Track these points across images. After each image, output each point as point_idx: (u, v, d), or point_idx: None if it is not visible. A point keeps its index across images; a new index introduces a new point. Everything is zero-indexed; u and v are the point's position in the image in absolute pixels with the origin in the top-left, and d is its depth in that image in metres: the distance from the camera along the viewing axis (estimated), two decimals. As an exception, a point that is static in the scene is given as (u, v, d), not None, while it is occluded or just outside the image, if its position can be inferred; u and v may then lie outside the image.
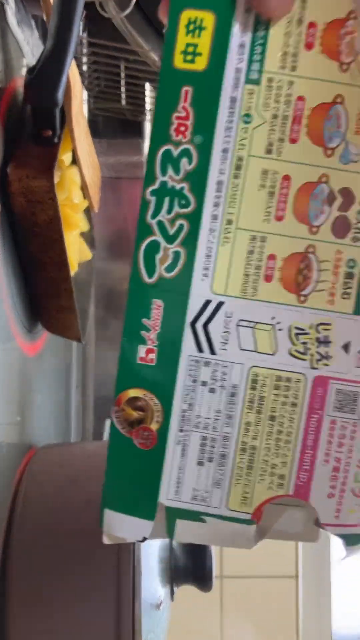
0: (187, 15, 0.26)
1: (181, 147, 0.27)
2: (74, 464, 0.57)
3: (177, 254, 0.28)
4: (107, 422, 0.71)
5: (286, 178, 0.28)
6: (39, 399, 0.63)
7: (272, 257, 0.29)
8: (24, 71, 0.58)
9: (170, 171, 0.28)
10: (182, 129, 0.27)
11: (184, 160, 0.27)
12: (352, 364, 0.30)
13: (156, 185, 0.28)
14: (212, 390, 0.30)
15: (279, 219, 0.29)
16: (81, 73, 0.79)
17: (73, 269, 0.60)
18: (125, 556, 0.48)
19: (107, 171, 0.97)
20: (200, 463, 0.31)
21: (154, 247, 0.28)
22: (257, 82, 0.27)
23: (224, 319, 0.29)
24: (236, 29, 0.27)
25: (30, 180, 0.51)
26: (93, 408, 0.94)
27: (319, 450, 0.31)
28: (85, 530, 0.51)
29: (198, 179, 0.28)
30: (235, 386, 0.30)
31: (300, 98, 0.28)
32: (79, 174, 0.62)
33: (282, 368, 0.30)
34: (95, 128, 0.93)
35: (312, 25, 0.27)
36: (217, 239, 0.28)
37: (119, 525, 0.31)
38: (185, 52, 0.27)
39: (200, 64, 0.27)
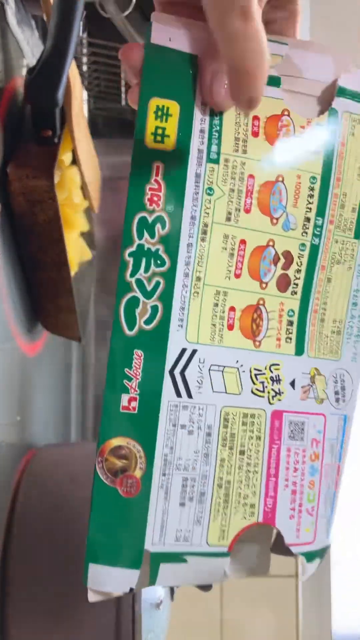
0: (154, 102, 0.30)
1: (155, 215, 0.31)
2: (74, 464, 0.57)
3: (155, 308, 0.31)
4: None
5: (243, 242, 0.33)
6: (39, 399, 0.63)
7: (232, 308, 0.33)
8: (24, 71, 0.58)
9: (146, 235, 0.31)
10: (155, 198, 0.31)
11: (158, 226, 0.31)
12: (297, 397, 0.35)
13: (134, 248, 0.31)
14: (190, 432, 0.32)
15: (237, 276, 0.33)
16: (81, 73, 0.79)
17: (73, 269, 0.60)
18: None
19: (107, 171, 0.97)
20: (182, 504, 0.32)
21: (133, 303, 0.31)
22: (216, 161, 0.32)
23: (198, 364, 0.32)
24: (196, 117, 0.31)
25: (31, 180, 0.51)
26: (93, 408, 0.94)
27: (280, 477, 0.34)
28: (85, 529, 0.51)
29: (171, 242, 0.31)
30: (210, 426, 0.33)
31: (251, 176, 0.33)
32: (79, 174, 0.62)
33: (247, 405, 0.34)
34: (95, 128, 0.93)
35: (255, 118, 0.33)
36: (189, 293, 0.32)
37: (105, 579, 0.31)
38: (155, 134, 0.31)
39: (169, 144, 0.31)
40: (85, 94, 0.86)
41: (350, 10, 1.13)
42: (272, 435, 0.34)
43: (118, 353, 0.31)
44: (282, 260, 0.34)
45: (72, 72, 0.56)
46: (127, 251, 0.31)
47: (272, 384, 0.34)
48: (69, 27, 0.50)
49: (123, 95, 0.86)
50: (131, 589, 0.31)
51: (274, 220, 0.34)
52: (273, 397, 0.34)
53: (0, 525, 0.50)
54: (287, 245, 0.34)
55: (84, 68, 0.81)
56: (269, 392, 0.34)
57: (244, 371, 0.34)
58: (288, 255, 0.34)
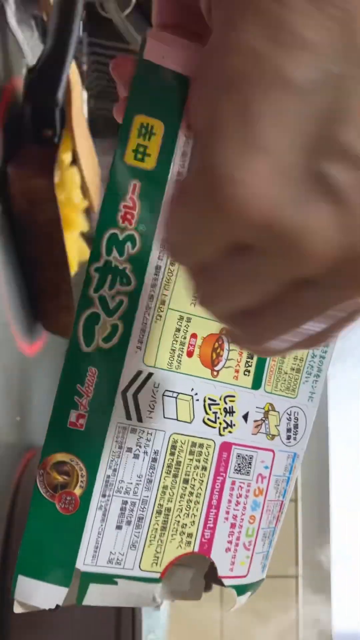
0: (139, 120, 0.30)
1: (126, 233, 0.30)
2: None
3: (115, 327, 0.31)
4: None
5: None
6: (39, 399, 0.63)
7: (194, 335, 0.32)
8: (24, 71, 0.58)
9: (114, 252, 0.30)
10: (129, 217, 0.30)
11: (128, 244, 0.30)
12: (249, 431, 0.34)
13: (100, 264, 0.30)
14: (136, 456, 0.32)
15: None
16: (81, 73, 0.79)
17: (73, 269, 0.60)
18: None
19: (107, 171, 0.97)
20: (118, 527, 0.32)
21: (94, 319, 0.30)
22: None
23: (152, 388, 0.32)
24: (180, 139, 0.30)
25: (31, 180, 0.51)
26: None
27: (221, 509, 0.34)
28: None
29: (139, 262, 0.31)
30: (157, 452, 0.32)
31: None
32: (79, 174, 0.62)
33: (197, 435, 0.33)
34: (95, 128, 0.93)
35: None
36: (151, 316, 0.31)
37: (33, 593, 0.31)
38: (136, 151, 0.30)
39: (149, 163, 0.30)
40: (85, 94, 0.86)
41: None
42: (219, 467, 0.34)
43: (71, 368, 0.30)
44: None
45: (72, 72, 0.56)
46: (94, 266, 0.30)
47: (225, 416, 0.34)
48: (69, 27, 0.50)
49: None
50: (57, 606, 0.31)
51: None
52: (224, 428, 0.34)
53: (0, 525, 0.50)
54: None
55: (84, 68, 0.81)
56: (220, 423, 0.34)
57: (197, 400, 0.33)
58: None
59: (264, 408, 0.35)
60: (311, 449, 1.10)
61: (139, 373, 0.31)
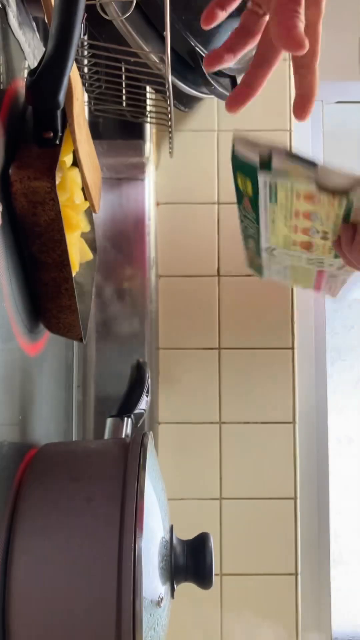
0: (239, 176, 0.63)
1: (247, 214, 0.69)
2: (75, 463, 0.57)
3: (255, 236, 0.72)
4: (108, 421, 0.71)
5: (295, 227, 0.67)
6: (40, 399, 0.63)
7: (294, 242, 0.69)
8: (25, 73, 0.58)
9: (246, 219, 0.70)
10: (247, 208, 0.67)
11: (247, 220, 0.70)
12: (334, 269, 0.72)
13: (244, 222, 0.71)
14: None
15: (295, 231, 0.67)
16: (82, 75, 0.80)
17: (74, 269, 0.61)
18: (126, 555, 0.49)
19: (107, 172, 0.98)
20: None
21: (249, 237, 0.74)
22: (274, 201, 0.63)
23: (276, 254, 0.73)
24: (260, 182, 0.61)
25: (32, 181, 0.52)
26: (94, 407, 0.94)
27: (323, 280, 0.77)
28: (86, 528, 0.51)
29: (256, 223, 0.69)
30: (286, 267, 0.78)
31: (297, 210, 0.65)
32: (80, 175, 0.62)
33: (303, 266, 0.74)
34: (96, 129, 0.94)
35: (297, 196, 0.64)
36: (269, 234, 0.70)
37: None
38: (242, 188, 0.64)
39: (249, 193, 0.64)
40: (85, 96, 0.86)
41: (350, 10, 1.13)
42: (320, 273, 0.76)
43: (244, 239, 0.75)
44: (322, 235, 0.66)
45: (73, 74, 0.56)
46: (241, 225, 0.72)
47: (317, 263, 0.72)
48: (70, 29, 0.50)
49: (123, 97, 0.86)
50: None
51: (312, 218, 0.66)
52: (317, 265, 0.73)
53: (3, 524, 0.51)
54: (325, 227, 0.65)
55: (85, 70, 0.81)
56: (314, 263, 0.73)
57: (301, 260, 0.72)
58: (325, 235, 0.66)
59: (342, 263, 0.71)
60: (310, 448, 1.10)
61: (269, 247, 0.72)
